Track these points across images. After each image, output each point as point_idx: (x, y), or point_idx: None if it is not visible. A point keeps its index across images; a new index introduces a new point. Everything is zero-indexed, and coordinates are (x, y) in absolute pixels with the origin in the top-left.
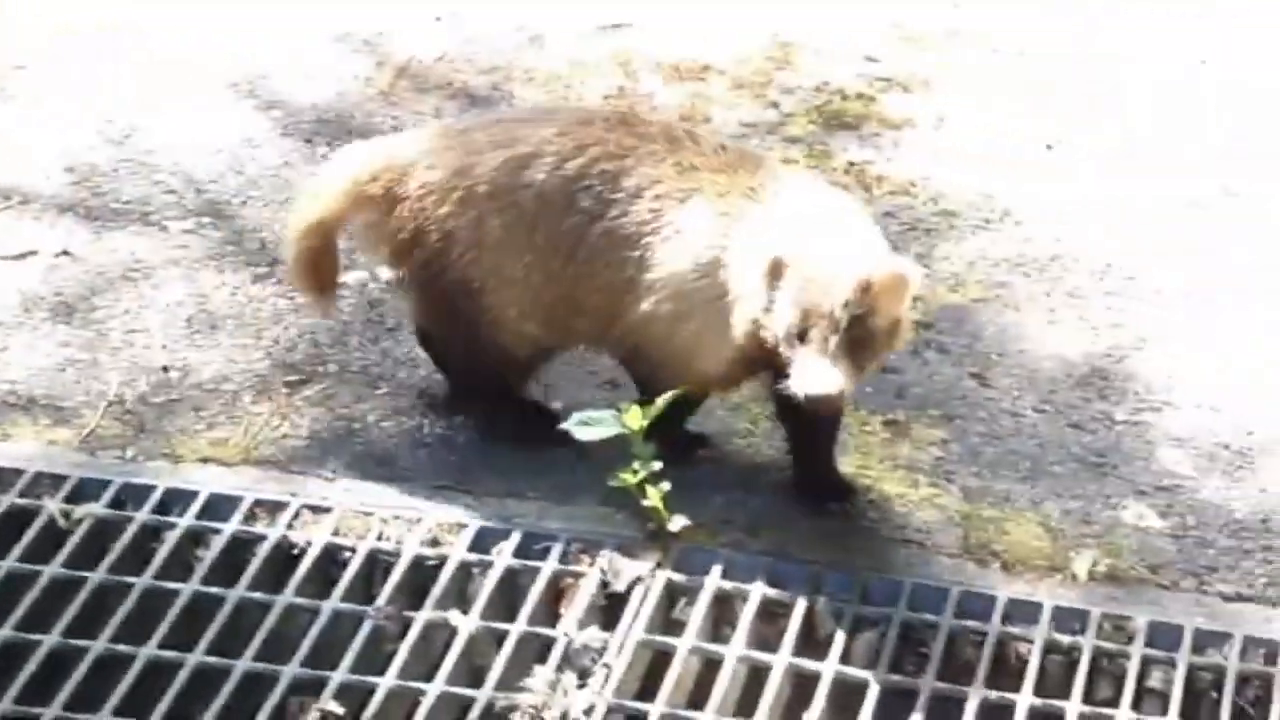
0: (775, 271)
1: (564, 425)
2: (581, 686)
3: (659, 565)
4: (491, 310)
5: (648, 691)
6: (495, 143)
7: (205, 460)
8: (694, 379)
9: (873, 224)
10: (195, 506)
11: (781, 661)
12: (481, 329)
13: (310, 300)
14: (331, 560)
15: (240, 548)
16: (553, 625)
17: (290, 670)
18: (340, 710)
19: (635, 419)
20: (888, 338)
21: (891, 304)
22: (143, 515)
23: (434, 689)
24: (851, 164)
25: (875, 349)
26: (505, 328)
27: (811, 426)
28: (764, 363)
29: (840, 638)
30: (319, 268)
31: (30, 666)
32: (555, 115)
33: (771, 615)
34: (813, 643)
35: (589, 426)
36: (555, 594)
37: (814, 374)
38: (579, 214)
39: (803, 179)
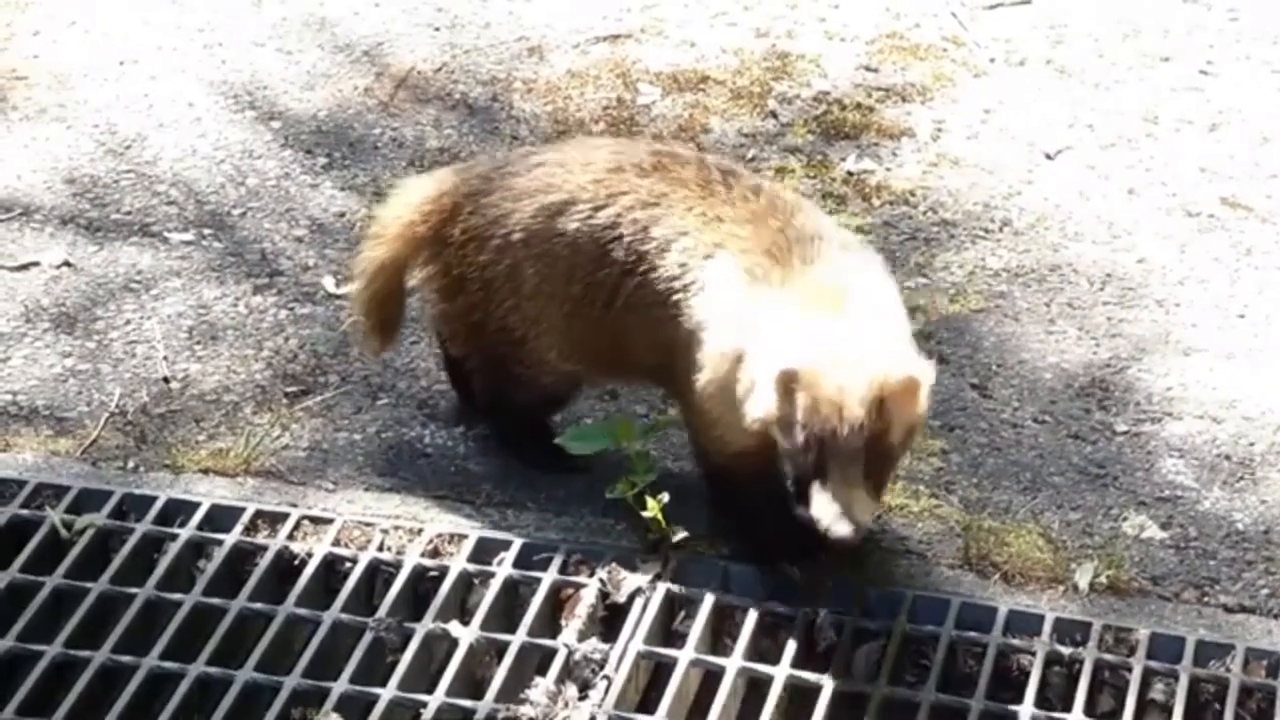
0: (785, 387)
1: (558, 439)
2: (582, 698)
3: (659, 576)
4: (534, 354)
5: (648, 703)
6: (532, 189)
7: (206, 471)
8: (716, 444)
9: (895, 295)
10: (196, 517)
11: (782, 674)
12: (524, 371)
13: (370, 341)
14: (332, 571)
15: (241, 558)
16: (553, 636)
17: (291, 681)
18: None
19: (629, 433)
20: (904, 445)
21: (906, 411)
22: (144, 526)
23: (435, 700)
24: (850, 174)
25: (894, 460)
26: (546, 369)
27: None
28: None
29: (841, 650)
30: (383, 309)
31: (33, 677)
32: (594, 158)
33: (772, 627)
34: (813, 655)
35: (583, 440)
36: (556, 605)
37: (838, 516)
38: (612, 265)
39: (827, 235)
